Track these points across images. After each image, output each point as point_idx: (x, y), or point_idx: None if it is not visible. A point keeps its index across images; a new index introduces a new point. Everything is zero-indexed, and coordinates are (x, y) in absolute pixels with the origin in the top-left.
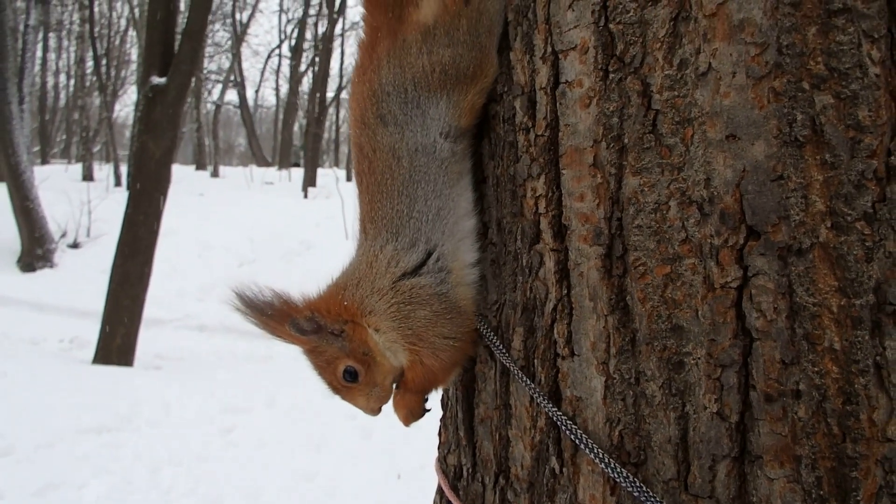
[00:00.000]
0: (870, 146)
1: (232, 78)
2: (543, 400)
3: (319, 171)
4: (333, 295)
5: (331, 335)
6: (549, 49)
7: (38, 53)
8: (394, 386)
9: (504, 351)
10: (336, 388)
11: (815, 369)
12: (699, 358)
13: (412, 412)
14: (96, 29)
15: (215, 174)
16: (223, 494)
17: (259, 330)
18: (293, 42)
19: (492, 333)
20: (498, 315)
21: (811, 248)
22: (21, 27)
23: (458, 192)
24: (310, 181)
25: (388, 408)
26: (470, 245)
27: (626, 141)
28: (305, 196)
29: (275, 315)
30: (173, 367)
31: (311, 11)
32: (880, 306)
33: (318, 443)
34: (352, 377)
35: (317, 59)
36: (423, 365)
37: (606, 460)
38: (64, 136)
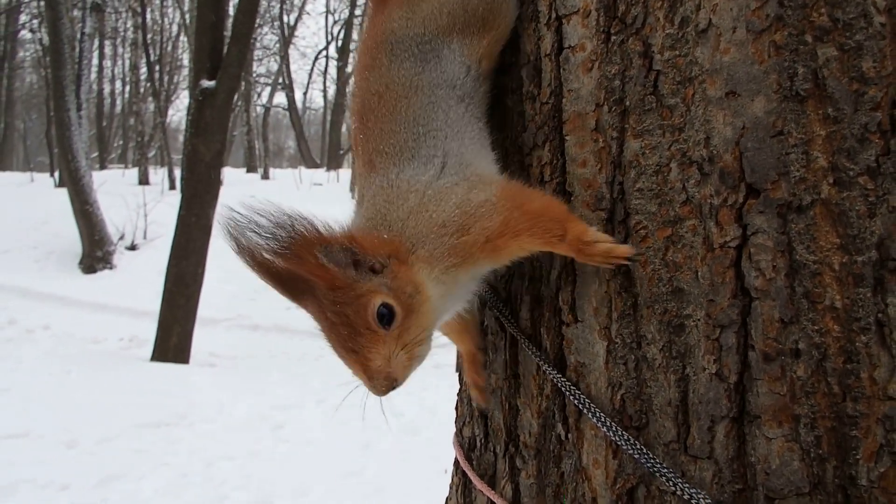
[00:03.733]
0: (874, 98)
1: (280, 80)
2: (549, 367)
3: None
4: (367, 231)
5: (369, 271)
6: (553, 15)
7: (94, 61)
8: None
9: (512, 321)
10: (350, 337)
11: (815, 328)
12: (699, 320)
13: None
14: (149, 35)
15: (266, 176)
16: (274, 489)
17: (249, 265)
18: (340, 43)
19: (501, 304)
20: (507, 286)
21: (812, 204)
22: (77, 35)
23: (479, 128)
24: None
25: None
26: (489, 160)
27: (627, 104)
28: (353, 196)
29: (294, 243)
30: (227, 366)
31: (357, 12)
32: (883, 262)
33: (366, 440)
34: (386, 319)
35: None
36: (502, 238)
37: (609, 424)
38: (121, 142)
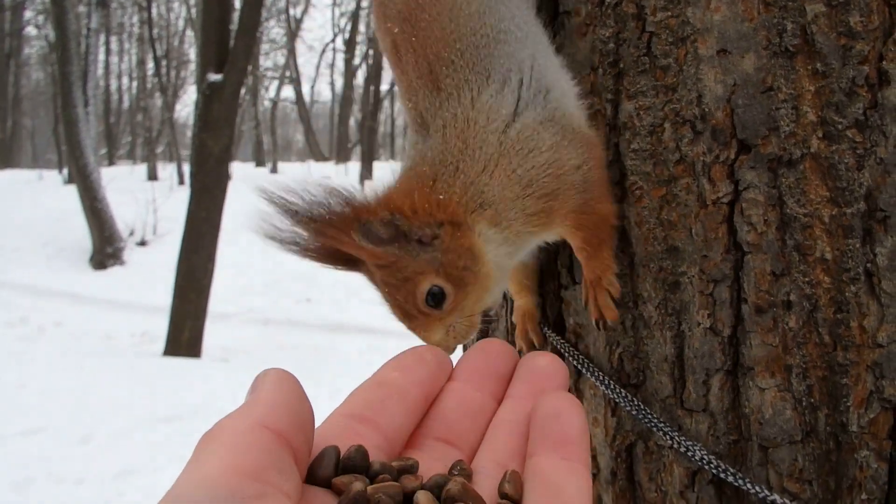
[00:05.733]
0: (861, 52)
1: (288, 74)
2: (548, 329)
3: (375, 164)
4: (419, 188)
5: (416, 244)
6: None
7: (101, 57)
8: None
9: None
10: (405, 314)
11: (806, 279)
12: (693, 276)
13: (610, 280)
14: (155, 31)
15: (274, 170)
16: None
17: (295, 251)
18: (347, 36)
19: None
20: None
21: (802, 158)
22: (83, 31)
23: (548, 35)
24: (366, 175)
25: None
26: (569, 82)
27: (621, 66)
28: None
29: (333, 221)
30: (240, 360)
31: (364, 3)
32: (871, 213)
33: None
34: (436, 301)
35: (370, 52)
36: (578, 214)
37: (607, 382)
38: (129, 138)
